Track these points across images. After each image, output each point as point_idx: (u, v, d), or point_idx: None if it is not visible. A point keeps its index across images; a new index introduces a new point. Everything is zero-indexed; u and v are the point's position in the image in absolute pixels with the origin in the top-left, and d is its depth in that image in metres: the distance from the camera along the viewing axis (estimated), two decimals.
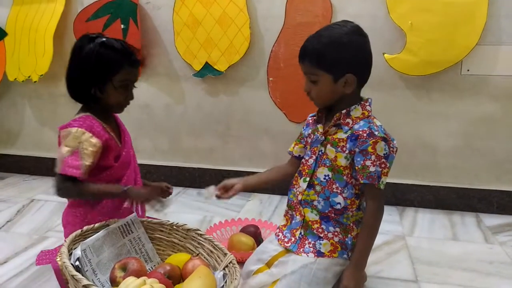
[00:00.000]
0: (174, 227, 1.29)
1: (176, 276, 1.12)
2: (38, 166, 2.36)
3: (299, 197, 1.20)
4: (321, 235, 1.16)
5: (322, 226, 1.17)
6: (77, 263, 1.06)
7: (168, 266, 1.13)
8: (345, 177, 1.14)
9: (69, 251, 1.06)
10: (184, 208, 1.90)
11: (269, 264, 1.20)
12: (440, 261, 1.47)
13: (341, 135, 1.13)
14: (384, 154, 1.09)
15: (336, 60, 1.09)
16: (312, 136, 1.22)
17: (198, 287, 1.02)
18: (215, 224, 1.63)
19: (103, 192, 1.25)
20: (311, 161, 1.19)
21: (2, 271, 1.36)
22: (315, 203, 1.17)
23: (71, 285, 0.96)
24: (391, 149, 1.11)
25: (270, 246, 1.23)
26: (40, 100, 2.31)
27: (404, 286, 1.32)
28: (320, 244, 1.16)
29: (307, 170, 1.20)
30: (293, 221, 1.21)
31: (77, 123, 1.20)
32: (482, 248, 1.58)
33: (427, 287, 1.32)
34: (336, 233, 1.16)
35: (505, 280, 1.36)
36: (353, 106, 1.13)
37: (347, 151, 1.12)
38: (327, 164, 1.16)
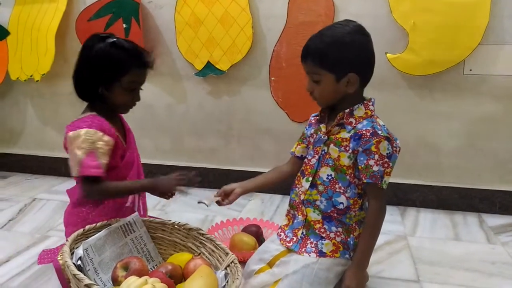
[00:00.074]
0: (176, 226, 1.29)
1: (177, 276, 1.12)
2: (40, 165, 2.36)
3: (302, 197, 1.19)
4: (323, 235, 1.16)
5: (324, 226, 1.16)
6: (79, 262, 1.06)
7: (170, 265, 1.13)
8: (348, 177, 1.14)
9: (71, 250, 1.06)
10: (186, 208, 1.90)
11: (270, 264, 1.20)
12: (442, 261, 1.46)
13: (344, 134, 1.13)
14: (387, 153, 1.09)
15: (338, 60, 1.09)
16: (314, 136, 1.21)
17: (199, 286, 1.02)
18: (217, 224, 1.63)
19: (130, 188, 1.25)
20: (313, 160, 1.19)
21: (4, 270, 1.37)
22: (318, 203, 1.17)
23: (73, 284, 0.96)
24: (394, 148, 1.11)
25: (272, 246, 1.23)
26: (42, 99, 2.31)
27: (405, 286, 1.32)
28: (322, 244, 1.16)
29: (309, 170, 1.19)
30: (295, 221, 1.21)
31: (85, 124, 1.19)
32: (484, 248, 1.57)
33: (429, 287, 1.31)
34: (338, 233, 1.16)
35: (507, 281, 1.35)
36: (356, 106, 1.13)
37: (350, 151, 1.12)
38: (330, 164, 1.15)
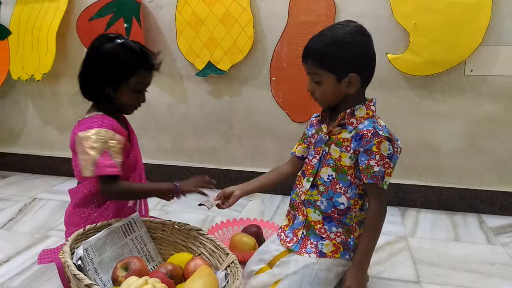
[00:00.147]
0: (176, 226, 1.29)
1: (178, 276, 1.12)
2: (40, 165, 2.36)
3: (302, 197, 1.19)
4: (324, 236, 1.16)
5: (325, 226, 1.16)
6: (79, 262, 1.06)
7: (170, 265, 1.13)
8: (349, 177, 1.14)
9: (71, 250, 1.06)
10: (186, 208, 1.89)
11: (271, 264, 1.19)
12: (442, 262, 1.46)
13: (346, 134, 1.13)
14: (388, 154, 1.09)
15: (339, 60, 1.09)
16: (316, 136, 1.21)
17: (200, 287, 1.02)
18: (217, 224, 1.63)
19: (151, 189, 1.27)
20: (314, 161, 1.19)
21: (4, 270, 1.36)
22: (318, 203, 1.17)
23: (73, 284, 0.96)
24: (395, 149, 1.10)
25: (272, 246, 1.23)
26: (43, 99, 2.31)
27: (406, 287, 1.32)
28: (322, 244, 1.16)
29: (310, 170, 1.19)
30: (296, 221, 1.21)
31: (95, 123, 1.18)
32: (484, 249, 1.57)
33: None
34: (338, 234, 1.16)
35: (507, 282, 1.35)
36: (358, 106, 1.13)
37: (351, 151, 1.12)
38: (331, 164, 1.15)
